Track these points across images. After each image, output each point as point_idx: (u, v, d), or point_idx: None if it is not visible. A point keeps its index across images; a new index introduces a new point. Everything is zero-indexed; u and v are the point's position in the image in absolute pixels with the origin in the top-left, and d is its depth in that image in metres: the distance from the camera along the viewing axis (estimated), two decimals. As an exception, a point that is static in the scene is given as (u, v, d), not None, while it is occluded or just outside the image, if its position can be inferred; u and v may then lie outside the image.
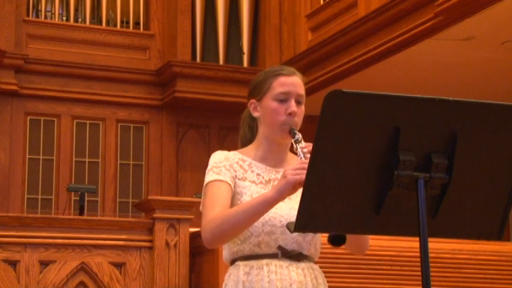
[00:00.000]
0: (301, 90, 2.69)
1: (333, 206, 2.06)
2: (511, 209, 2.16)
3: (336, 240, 2.38)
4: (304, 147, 2.52)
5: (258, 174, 2.68)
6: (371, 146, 2.02)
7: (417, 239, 2.02)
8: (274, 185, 2.54)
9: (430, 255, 2.02)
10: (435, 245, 4.54)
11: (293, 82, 2.68)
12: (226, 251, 2.69)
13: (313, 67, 7.73)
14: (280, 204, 2.59)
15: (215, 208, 2.57)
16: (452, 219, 2.12)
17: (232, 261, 2.67)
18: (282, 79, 2.67)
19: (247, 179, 2.67)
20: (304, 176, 2.35)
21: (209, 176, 2.65)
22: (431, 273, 2.01)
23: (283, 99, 2.65)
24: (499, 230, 2.15)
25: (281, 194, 2.45)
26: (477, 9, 6.16)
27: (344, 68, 7.52)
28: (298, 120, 2.66)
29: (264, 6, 8.65)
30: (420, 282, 2.01)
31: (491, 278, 5.33)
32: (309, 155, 2.44)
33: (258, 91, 2.71)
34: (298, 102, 2.67)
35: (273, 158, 2.70)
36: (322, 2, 7.93)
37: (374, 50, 7.11)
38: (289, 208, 2.60)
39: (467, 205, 2.12)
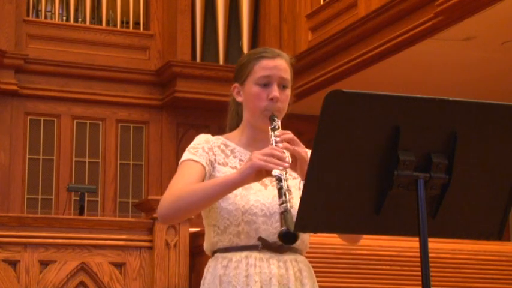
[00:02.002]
0: (285, 74, 2.56)
1: (333, 206, 2.05)
2: (511, 209, 2.16)
3: (287, 237, 2.27)
4: (278, 136, 2.41)
5: (240, 160, 2.57)
6: (371, 146, 2.02)
7: (417, 239, 2.02)
8: (240, 167, 2.42)
9: (430, 255, 2.02)
10: (435, 245, 4.54)
11: (276, 65, 2.54)
12: (206, 242, 2.59)
13: (313, 67, 7.72)
14: (262, 192, 2.51)
15: (178, 185, 2.46)
16: (452, 219, 2.12)
17: (213, 253, 2.56)
18: (264, 62, 2.54)
19: (228, 164, 2.56)
20: (271, 165, 2.29)
21: (184, 155, 2.55)
22: (431, 273, 2.00)
23: (265, 83, 2.53)
24: (499, 230, 2.15)
25: (243, 178, 2.34)
26: (477, 9, 6.16)
27: (344, 68, 7.52)
28: (282, 105, 2.54)
29: (264, 6, 8.65)
30: (420, 282, 2.01)
31: (491, 278, 5.33)
32: (280, 144, 2.38)
33: (240, 75, 2.59)
34: (282, 87, 2.55)
35: (257, 145, 2.56)
36: (322, 2, 7.93)
37: (374, 50, 7.11)
38: (271, 196, 2.49)
39: (467, 205, 2.12)
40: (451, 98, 2.03)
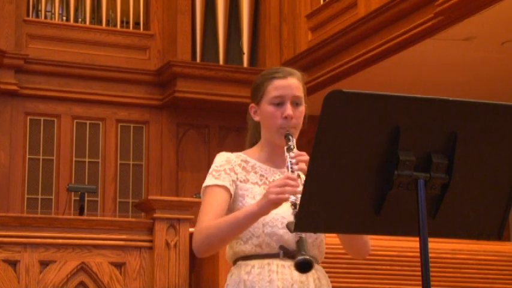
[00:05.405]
0: (298, 92, 2.68)
1: (333, 206, 2.05)
2: (511, 209, 2.16)
3: (302, 266, 2.37)
4: (294, 157, 2.52)
5: (261, 175, 2.69)
6: (371, 146, 2.02)
7: (417, 239, 2.02)
8: (259, 199, 2.55)
9: (430, 255, 2.02)
10: (435, 245, 4.54)
11: (288, 84, 2.67)
12: (228, 251, 2.71)
13: (313, 67, 7.72)
14: (282, 206, 2.58)
15: (207, 216, 2.60)
16: (452, 219, 2.12)
17: (235, 261, 2.68)
18: (276, 83, 2.67)
19: (249, 181, 2.68)
20: (285, 196, 2.41)
21: (208, 180, 2.67)
22: (431, 273, 2.00)
23: (279, 102, 2.65)
24: (499, 230, 2.15)
25: (263, 211, 2.48)
26: (477, 9, 6.16)
27: (344, 68, 7.52)
28: (297, 121, 2.66)
29: (264, 6, 8.65)
30: (420, 282, 2.01)
31: (491, 278, 5.33)
32: (296, 167, 2.49)
33: (255, 95, 2.72)
34: (295, 104, 2.66)
35: (276, 160, 2.70)
36: (322, 2, 7.93)
37: (374, 50, 7.11)
38: (290, 210, 2.56)
39: (467, 205, 2.11)
40: (451, 98, 2.03)
